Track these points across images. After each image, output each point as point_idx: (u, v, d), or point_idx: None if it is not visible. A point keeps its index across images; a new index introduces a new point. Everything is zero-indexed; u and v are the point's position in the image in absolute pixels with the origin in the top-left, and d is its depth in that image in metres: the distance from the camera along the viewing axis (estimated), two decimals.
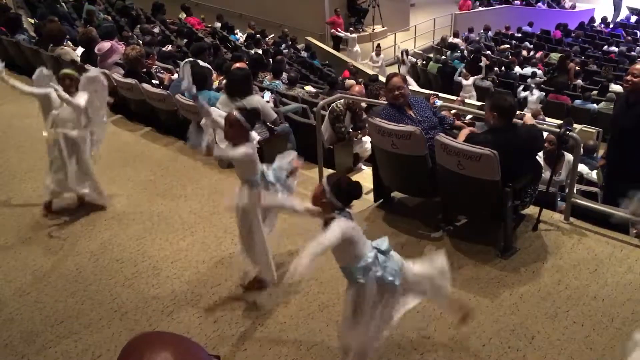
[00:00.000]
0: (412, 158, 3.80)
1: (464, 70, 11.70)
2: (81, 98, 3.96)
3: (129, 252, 3.82)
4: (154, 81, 6.36)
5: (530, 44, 15.80)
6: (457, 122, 4.45)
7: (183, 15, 13.99)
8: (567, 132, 3.83)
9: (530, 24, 17.85)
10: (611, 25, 18.89)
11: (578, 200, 4.07)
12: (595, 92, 10.61)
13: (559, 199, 4.45)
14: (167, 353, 1.05)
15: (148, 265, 3.67)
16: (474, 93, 11.15)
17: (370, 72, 13.04)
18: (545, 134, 4.43)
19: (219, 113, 4.97)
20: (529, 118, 4.06)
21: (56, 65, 7.00)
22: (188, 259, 3.73)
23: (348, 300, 2.54)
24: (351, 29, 16.35)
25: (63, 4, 11.22)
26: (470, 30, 16.71)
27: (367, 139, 5.70)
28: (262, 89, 6.81)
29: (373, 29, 17.26)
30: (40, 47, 7.47)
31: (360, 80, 9.64)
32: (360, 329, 2.50)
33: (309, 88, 8.47)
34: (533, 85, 10.29)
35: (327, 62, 14.05)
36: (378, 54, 14.11)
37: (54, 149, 4.07)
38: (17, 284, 3.52)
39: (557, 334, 2.99)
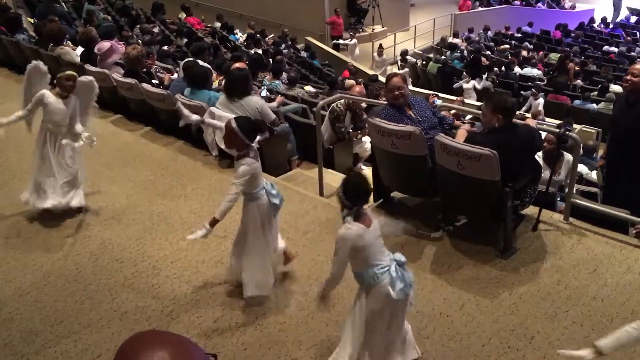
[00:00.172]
0: (412, 158, 3.80)
1: (465, 73, 11.73)
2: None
3: (128, 252, 3.82)
4: (153, 81, 6.36)
5: (530, 44, 15.80)
6: (457, 122, 4.46)
7: (183, 15, 13.99)
8: (567, 132, 3.84)
9: (530, 24, 17.85)
10: (611, 26, 18.91)
11: (578, 201, 4.07)
12: (595, 92, 10.61)
13: (558, 199, 4.45)
14: (163, 352, 1.05)
15: (148, 265, 3.67)
16: (474, 94, 11.16)
17: (371, 72, 13.04)
18: (544, 134, 4.43)
19: (219, 113, 5.00)
20: (530, 120, 4.06)
21: (56, 65, 7.01)
22: (188, 259, 3.73)
23: (357, 309, 2.54)
24: (351, 33, 16.31)
25: (63, 3, 11.21)
26: (470, 31, 16.71)
27: (367, 139, 5.71)
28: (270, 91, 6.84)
29: (373, 29, 17.26)
30: (40, 47, 7.47)
31: (360, 80, 9.65)
32: (374, 343, 2.52)
33: (308, 88, 8.47)
34: (535, 91, 10.30)
35: (326, 62, 14.05)
36: (380, 54, 14.11)
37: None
38: (16, 283, 3.52)
39: (556, 334, 3.00)
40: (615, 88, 10.07)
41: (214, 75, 6.53)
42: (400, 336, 2.63)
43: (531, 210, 3.99)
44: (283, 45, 13.89)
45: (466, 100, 10.13)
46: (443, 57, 13.69)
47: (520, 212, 3.93)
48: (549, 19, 18.80)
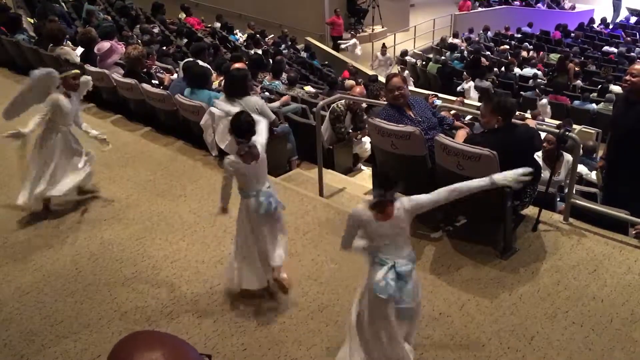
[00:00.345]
0: (411, 158, 3.80)
1: (465, 73, 11.73)
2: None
3: (128, 252, 3.82)
4: (153, 81, 6.36)
5: (530, 45, 15.81)
6: (457, 123, 4.45)
7: (183, 16, 13.99)
8: (567, 133, 3.84)
9: (530, 25, 17.86)
10: (611, 26, 18.92)
11: (577, 201, 4.07)
12: (594, 93, 10.62)
13: (558, 200, 4.45)
14: (156, 352, 1.04)
15: (147, 265, 3.67)
16: (474, 95, 11.16)
17: (370, 72, 13.04)
18: (544, 134, 4.43)
19: (219, 114, 5.00)
20: (530, 121, 4.07)
21: (56, 65, 7.01)
22: (188, 259, 3.73)
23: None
24: (351, 32, 16.31)
25: (62, 3, 11.21)
26: (471, 31, 16.71)
27: (366, 140, 5.71)
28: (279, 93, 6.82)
29: (373, 30, 17.26)
30: (39, 47, 7.47)
31: (360, 80, 9.65)
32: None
33: (308, 88, 8.47)
34: (538, 92, 10.30)
35: (326, 62, 14.06)
36: (384, 54, 14.10)
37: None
38: (16, 283, 3.52)
39: (556, 335, 3.00)
40: (615, 88, 10.07)
41: (214, 75, 6.53)
42: (388, 342, 2.52)
43: (531, 210, 3.99)
44: (283, 46, 13.89)
45: (466, 101, 10.13)
46: (443, 58, 13.69)
47: (520, 213, 3.93)
48: (548, 20, 18.80)
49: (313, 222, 4.16)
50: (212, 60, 7.71)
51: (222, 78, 6.42)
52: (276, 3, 16.44)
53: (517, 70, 12.68)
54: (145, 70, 6.37)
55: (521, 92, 11.15)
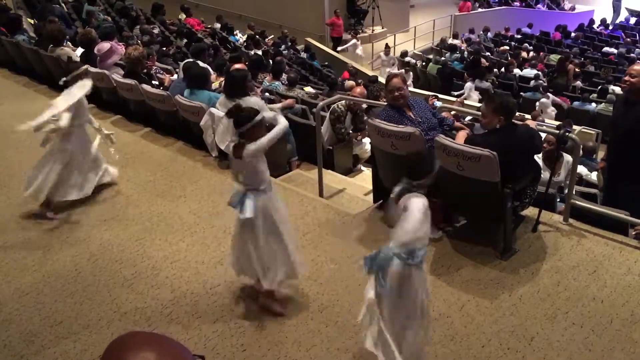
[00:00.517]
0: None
1: (466, 74, 11.73)
2: None
3: (128, 253, 3.82)
4: (153, 82, 6.37)
5: (530, 46, 15.82)
6: (457, 123, 4.46)
7: (183, 16, 14.00)
8: (567, 134, 3.84)
9: (530, 26, 17.87)
10: (610, 27, 18.93)
11: (577, 202, 4.07)
12: (594, 94, 10.62)
13: (558, 200, 4.45)
14: (150, 353, 1.04)
15: (147, 266, 3.67)
16: (475, 95, 11.16)
17: (370, 73, 13.04)
18: (544, 135, 4.43)
19: (218, 114, 4.99)
20: (530, 121, 4.07)
21: (56, 66, 7.01)
22: (187, 260, 3.73)
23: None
24: (352, 33, 16.31)
25: (62, 4, 11.22)
26: (471, 31, 16.71)
27: (367, 141, 5.71)
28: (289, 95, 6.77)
29: (373, 30, 17.26)
30: (39, 48, 7.48)
31: (360, 81, 9.65)
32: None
33: (308, 89, 8.47)
34: (543, 92, 10.31)
35: (326, 63, 14.06)
36: (387, 54, 14.10)
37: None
38: (16, 284, 3.52)
39: (556, 335, 2.99)
40: (616, 89, 10.08)
41: (214, 76, 6.53)
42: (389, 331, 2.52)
43: (531, 211, 3.99)
44: (283, 46, 13.90)
45: (466, 101, 10.14)
46: (443, 58, 13.69)
47: (520, 213, 3.93)
48: (548, 20, 18.81)
49: (313, 223, 4.16)
50: (212, 61, 7.71)
51: (222, 79, 6.42)
52: (276, 4, 16.45)
53: (516, 71, 12.68)
54: (145, 71, 6.38)
55: (521, 93, 11.15)
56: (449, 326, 3.08)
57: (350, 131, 5.81)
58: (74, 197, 4.28)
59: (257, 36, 13.63)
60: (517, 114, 5.53)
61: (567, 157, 4.97)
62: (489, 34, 16.88)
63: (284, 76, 7.89)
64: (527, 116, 7.61)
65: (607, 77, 11.69)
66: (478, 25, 17.07)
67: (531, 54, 14.86)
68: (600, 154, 7.00)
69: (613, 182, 4.67)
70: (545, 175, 4.28)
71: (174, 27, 12.45)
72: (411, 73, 12.96)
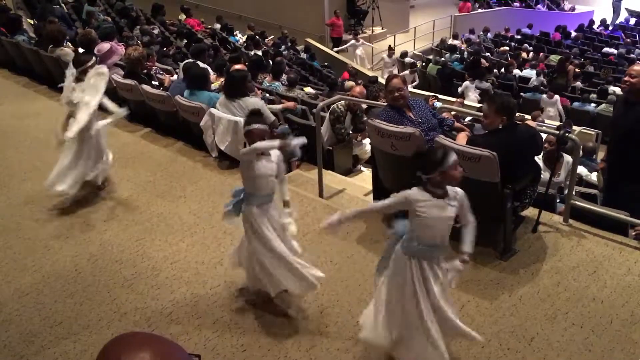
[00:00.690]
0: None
1: (467, 75, 11.73)
2: None
3: (128, 253, 3.82)
4: (153, 82, 6.37)
5: (530, 46, 15.83)
6: (457, 124, 4.46)
7: (183, 17, 14.00)
8: (567, 134, 3.84)
9: (530, 26, 17.87)
10: (610, 28, 18.93)
11: (577, 202, 4.07)
12: (594, 95, 10.62)
13: (558, 201, 4.46)
14: (145, 354, 1.05)
15: (147, 266, 3.67)
16: (475, 96, 11.16)
17: (370, 73, 13.04)
18: (544, 136, 4.43)
19: (218, 114, 5.00)
20: (530, 122, 4.07)
21: (56, 66, 7.02)
22: (187, 260, 3.73)
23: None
24: (352, 34, 16.31)
25: (62, 4, 11.22)
26: (472, 32, 16.71)
27: (367, 141, 5.70)
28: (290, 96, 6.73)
29: (372, 31, 17.27)
30: (39, 48, 7.48)
31: (360, 82, 9.65)
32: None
33: (308, 89, 8.47)
34: (550, 93, 10.30)
35: (326, 63, 14.06)
36: (390, 56, 14.11)
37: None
38: (16, 284, 3.52)
39: (556, 336, 2.99)
40: (616, 90, 10.08)
41: (214, 76, 6.53)
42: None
43: (531, 212, 3.99)
44: (283, 47, 13.90)
45: (466, 102, 10.14)
46: (442, 59, 13.69)
47: (520, 214, 3.93)
48: (548, 21, 18.81)
49: (313, 223, 4.16)
50: (212, 61, 7.71)
51: (222, 79, 6.42)
52: (276, 4, 16.45)
53: (516, 71, 12.68)
54: (145, 71, 6.38)
55: (521, 94, 11.15)
56: None
57: (350, 131, 5.81)
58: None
59: (257, 37, 13.63)
60: (517, 114, 5.52)
61: (567, 158, 4.97)
62: (489, 35, 16.88)
63: (284, 77, 7.90)
64: (527, 117, 7.61)
65: (607, 78, 11.69)
66: (478, 26, 17.08)
67: (531, 54, 14.87)
68: (600, 155, 7.01)
69: (613, 183, 4.67)
70: (545, 175, 4.28)
71: (174, 27, 12.45)
72: (416, 75, 12.97)
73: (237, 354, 2.93)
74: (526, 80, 12.06)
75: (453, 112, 5.88)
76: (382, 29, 17.38)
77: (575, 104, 10.35)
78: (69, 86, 4.32)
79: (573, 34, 17.18)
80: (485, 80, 11.48)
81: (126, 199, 4.58)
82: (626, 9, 20.39)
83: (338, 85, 9.16)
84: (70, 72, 4.33)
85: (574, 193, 4.09)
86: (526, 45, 15.98)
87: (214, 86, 6.08)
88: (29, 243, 3.97)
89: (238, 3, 16.97)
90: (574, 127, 8.14)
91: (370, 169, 4.75)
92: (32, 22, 10.55)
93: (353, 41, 15.26)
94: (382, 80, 9.51)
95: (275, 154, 2.98)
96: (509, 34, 17.38)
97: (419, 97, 7.78)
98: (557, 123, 8.39)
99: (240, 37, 14.04)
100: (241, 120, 4.88)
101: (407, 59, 14.33)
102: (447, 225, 2.48)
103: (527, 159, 3.70)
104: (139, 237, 4.02)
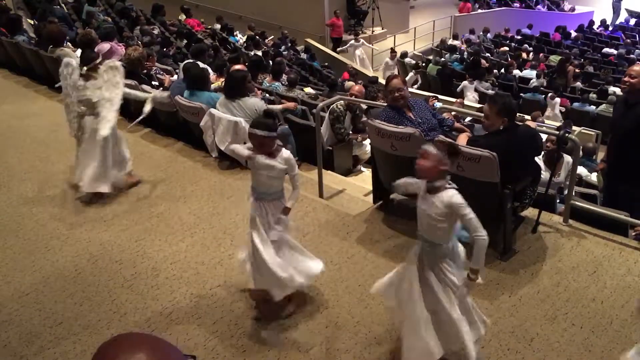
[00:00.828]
0: (411, 160, 3.78)
1: (467, 75, 11.75)
2: None
3: (128, 253, 3.82)
4: (153, 82, 6.37)
5: (530, 47, 15.83)
6: (457, 124, 4.46)
7: (183, 17, 14.00)
8: (567, 135, 3.84)
9: (530, 27, 17.89)
10: (610, 28, 18.95)
11: (577, 203, 4.07)
12: (594, 95, 10.63)
13: (558, 201, 4.46)
14: (141, 354, 1.05)
15: (147, 267, 3.67)
16: (474, 96, 11.17)
17: (370, 74, 13.04)
18: (544, 137, 4.43)
19: (218, 115, 5.00)
20: (530, 122, 4.07)
21: (56, 66, 7.02)
22: (187, 260, 3.73)
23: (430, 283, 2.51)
24: (353, 34, 16.32)
25: (63, 5, 11.22)
26: (472, 32, 16.72)
27: (367, 142, 5.70)
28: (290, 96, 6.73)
29: (372, 31, 17.27)
30: (39, 48, 7.48)
31: (360, 82, 9.65)
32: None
33: (308, 90, 8.46)
34: (553, 94, 10.32)
35: (326, 63, 14.07)
36: (393, 58, 14.11)
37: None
38: (15, 284, 3.52)
39: (556, 336, 2.99)
40: (616, 90, 10.08)
41: (214, 76, 6.53)
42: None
43: (531, 212, 3.99)
44: (283, 47, 13.91)
45: (466, 102, 10.14)
46: (442, 59, 13.70)
47: (520, 214, 3.93)
48: (548, 21, 18.83)
49: (313, 224, 4.16)
50: (212, 61, 7.71)
51: (222, 79, 6.42)
52: (276, 4, 16.45)
53: (516, 72, 12.69)
54: (145, 71, 6.38)
55: (521, 94, 11.16)
56: None
57: (350, 132, 5.81)
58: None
59: (257, 37, 13.64)
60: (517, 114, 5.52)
61: (568, 158, 4.97)
62: (489, 35, 16.90)
63: (284, 77, 7.89)
64: (527, 117, 7.61)
65: (606, 78, 11.70)
66: (478, 26, 17.10)
67: (531, 55, 14.87)
68: (600, 155, 7.01)
69: (613, 183, 4.67)
70: (545, 175, 4.28)
71: (174, 27, 12.45)
72: (419, 76, 12.98)
73: (237, 354, 2.93)
74: (526, 80, 12.07)
75: (453, 113, 5.89)
76: (382, 29, 17.39)
77: (575, 104, 10.35)
78: (74, 85, 4.29)
79: (573, 34, 17.19)
80: (485, 81, 11.50)
81: (126, 199, 4.58)
82: (626, 9, 20.40)
83: (338, 85, 9.16)
84: (67, 70, 4.29)
85: (573, 193, 4.09)
86: (526, 45, 15.99)
87: (214, 86, 6.08)
88: (29, 243, 3.97)
89: (238, 3, 16.98)
90: (574, 128, 8.15)
91: (370, 169, 4.75)
92: (32, 22, 10.55)
93: (353, 41, 15.25)
94: (382, 81, 9.51)
95: (283, 155, 2.91)
96: (509, 35, 17.39)
97: (419, 97, 7.79)
98: (558, 124, 8.40)
99: (240, 38, 14.04)
100: (241, 120, 4.89)
101: (407, 59, 14.34)
102: (427, 221, 2.49)
103: (527, 159, 3.70)
104: (138, 237, 4.02)
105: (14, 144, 5.78)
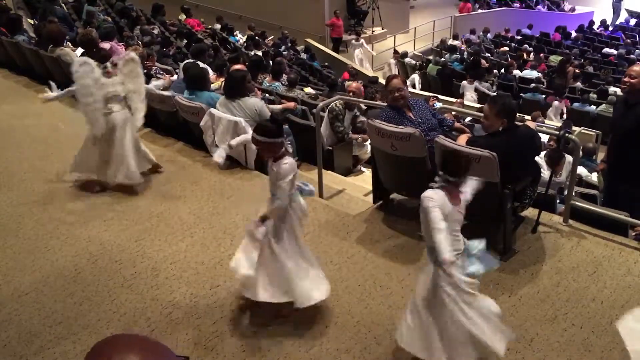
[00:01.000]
0: (411, 160, 3.80)
1: (468, 75, 11.76)
2: None
3: (128, 253, 3.82)
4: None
5: (530, 47, 15.83)
6: (457, 124, 4.46)
7: (183, 17, 14.00)
8: (567, 135, 3.84)
9: (530, 27, 17.89)
10: (610, 28, 18.95)
11: (577, 203, 4.07)
12: (594, 95, 10.62)
13: (558, 201, 4.46)
14: (133, 355, 1.05)
15: (147, 266, 3.67)
16: (474, 96, 11.17)
17: (370, 74, 13.05)
18: (544, 137, 4.43)
19: (218, 115, 5.00)
20: (530, 123, 4.07)
21: (56, 66, 7.02)
22: (187, 260, 3.73)
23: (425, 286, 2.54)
24: (354, 33, 16.32)
25: (63, 4, 11.22)
26: (472, 32, 16.72)
27: (368, 143, 5.70)
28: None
29: (372, 31, 17.28)
30: (40, 48, 7.48)
31: (360, 82, 9.65)
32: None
33: (308, 90, 8.46)
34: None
35: (326, 63, 14.07)
36: (396, 59, 14.12)
37: None
38: (15, 284, 3.51)
39: (555, 336, 2.99)
40: (617, 90, 10.08)
41: (213, 76, 6.53)
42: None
43: (531, 212, 3.99)
44: (283, 47, 13.91)
45: (466, 102, 10.15)
46: (443, 59, 13.70)
47: (520, 214, 3.93)
48: (548, 22, 18.83)
49: (312, 224, 4.16)
50: (212, 61, 7.71)
51: (222, 79, 6.42)
52: (276, 4, 16.45)
53: (516, 72, 12.69)
54: (145, 71, 6.37)
55: (521, 94, 11.16)
56: None
57: (350, 131, 5.81)
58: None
59: (257, 37, 13.64)
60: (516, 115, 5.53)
61: (569, 158, 4.97)
62: (489, 35, 16.90)
63: (284, 77, 7.90)
64: (527, 117, 7.61)
65: (606, 78, 11.71)
66: (478, 26, 17.10)
67: (531, 55, 14.87)
68: (600, 155, 7.01)
69: (613, 183, 4.67)
70: (546, 174, 4.28)
71: (174, 27, 12.45)
72: (420, 77, 12.98)
73: (237, 354, 2.93)
74: (526, 80, 12.07)
75: (453, 113, 5.89)
76: (382, 29, 17.40)
77: (576, 104, 10.35)
78: (95, 83, 4.21)
79: (573, 34, 17.20)
80: (485, 81, 11.50)
81: (126, 199, 4.58)
82: (626, 9, 20.41)
83: (338, 85, 9.16)
84: (85, 69, 4.18)
85: (573, 193, 4.09)
86: (526, 45, 15.99)
87: (214, 86, 6.08)
88: (29, 243, 3.97)
89: (238, 3, 16.97)
90: (574, 128, 8.14)
91: (370, 169, 4.75)
92: (32, 22, 10.55)
93: (353, 41, 15.27)
94: (382, 81, 9.51)
95: (285, 162, 2.85)
96: (509, 35, 17.39)
97: (419, 97, 7.79)
98: (558, 124, 8.40)
99: (240, 38, 14.04)
100: (241, 120, 4.89)
101: (408, 60, 14.34)
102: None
103: (527, 159, 3.70)
104: (138, 237, 4.02)
105: (14, 144, 5.78)
